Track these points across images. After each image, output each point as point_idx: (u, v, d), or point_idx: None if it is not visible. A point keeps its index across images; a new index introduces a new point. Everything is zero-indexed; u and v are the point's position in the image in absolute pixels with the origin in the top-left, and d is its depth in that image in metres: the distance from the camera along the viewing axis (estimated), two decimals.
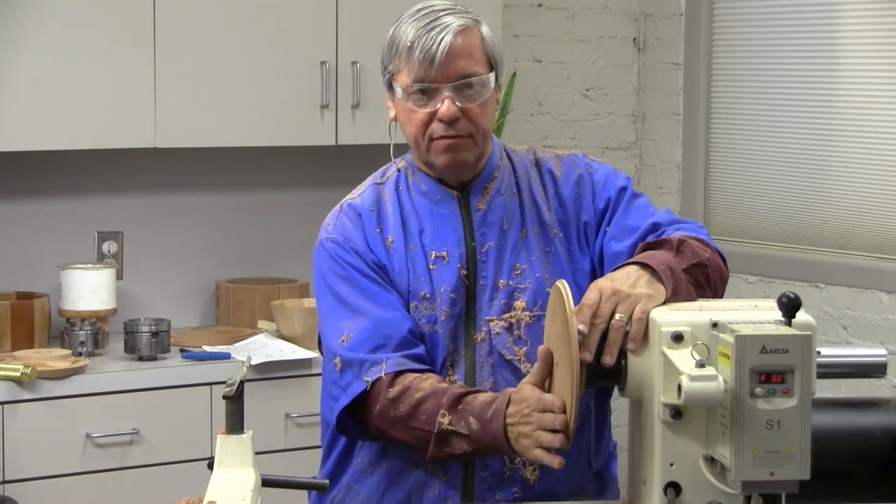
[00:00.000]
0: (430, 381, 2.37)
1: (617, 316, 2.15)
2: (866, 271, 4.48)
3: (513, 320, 2.45)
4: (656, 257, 2.28)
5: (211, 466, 2.02)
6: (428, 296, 2.46)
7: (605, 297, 2.18)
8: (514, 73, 4.69)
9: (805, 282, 4.60)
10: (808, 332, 1.85)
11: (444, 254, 2.47)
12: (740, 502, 1.92)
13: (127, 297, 4.28)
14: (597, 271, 2.49)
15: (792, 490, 1.86)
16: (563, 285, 2.14)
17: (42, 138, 3.90)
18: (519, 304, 2.45)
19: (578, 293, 2.22)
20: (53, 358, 3.74)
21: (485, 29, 2.45)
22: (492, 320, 2.45)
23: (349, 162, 4.39)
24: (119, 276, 4.18)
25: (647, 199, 2.56)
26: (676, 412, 1.96)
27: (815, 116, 4.64)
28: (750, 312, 1.99)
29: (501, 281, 2.47)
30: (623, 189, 2.53)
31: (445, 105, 2.39)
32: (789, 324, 1.89)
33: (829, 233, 4.62)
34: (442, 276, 2.46)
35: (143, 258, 4.36)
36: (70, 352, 3.83)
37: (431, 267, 2.47)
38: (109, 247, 4.26)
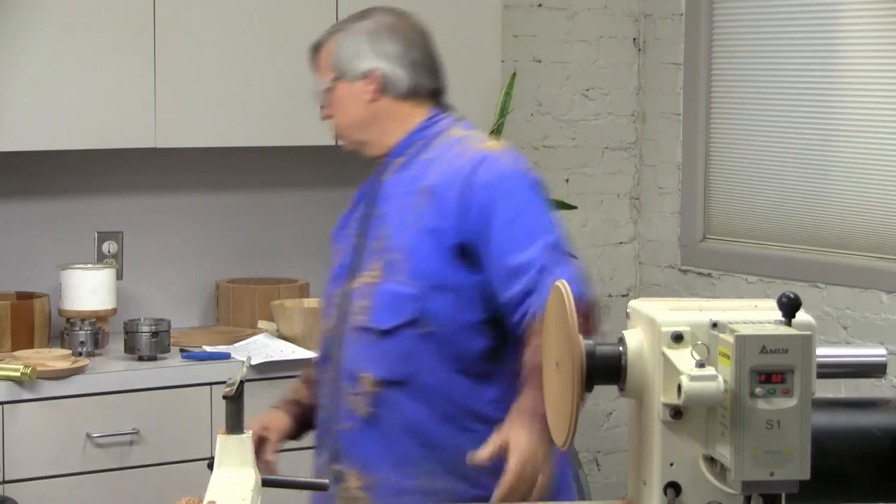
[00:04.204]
0: None
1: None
2: (866, 271, 4.48)
3: None
4: (536, 416, 2.45)
5: (211, 466, 2.02)
6: None
7: (523, 480, 2.45)
8: (514, 73, 4.68)
9: (805, 282, 4.60)
10: (808, 332, 1.85)
11: None
12: (740, 502, 1.92)
13: (127, 297, 4.28)
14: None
15: (792, 490, 1.86)
16: (564, 285, 2.14)
17: (42, 138, 3.90)
18: None
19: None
20: (53, 358, 3.74)
21: (337, 37, 2.83)
22: None
23: (349, 162, 4.38)
24: (119, 276, 4.18)
25: (534, 215, 2.69)
26: (676, 412, 1.96)
27: (815, 116, 4.64)
28: (750, 312, 1.99)
29: None
30: (507, 203, 2.66)
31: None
32: (789, 324, 1.88)
33: (829, 233, 4.62)
34: None
35: (143, 258, 4.37)
36: (70, 352, 3.83)
37: None
38: (109, 247, 4.27)
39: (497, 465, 2.55)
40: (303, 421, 2.87)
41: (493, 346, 2.69)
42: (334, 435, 2.75)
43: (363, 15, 2.84)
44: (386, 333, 2.67)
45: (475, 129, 2.85)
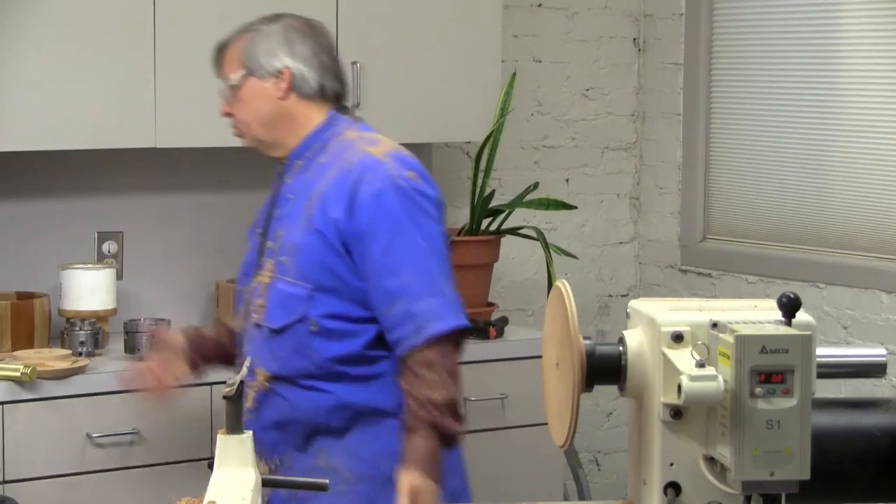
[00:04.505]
0: None
1: None
2: (866, 271, 4.48)
3: None
4: (428, 467, 2.68)
5: (211, 466, 2.02)
6: None
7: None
8: (514, 73, 4.68)
9: (805, 282, 4.60)
10: (808, 332, 1.86)
11: None
12: (740, 502, 1.92)
13: (127, 297, 4.27)
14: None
15: (792, 490, 1.86)
16: (564, 285, 2.14)
17: (42, 138, 3.90)
18: None
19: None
20: (53, 358, 3.74)
21: (248, 36, 2.93)
22: None
23: None
24: (119, 276, 4.18)
25: (409, 239, 2.79)
26: (676, 412, 1.96)
27: (815, 116, 4.64)
28: (750, 312, 1.99)
29: None
30: (384, 225, 2.76)
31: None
32: (789, 324, 1.89)
33: (829, 233, 4.62)
34: None
35: (143, 258, 4.36)
36: (70, 352, 3.83)
37: None
38: (109, 247, 4.26)
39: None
40: (195, 346, 3.10)
41: (381, 333, 2.82)
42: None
43: (273, 19, 2.96)
44: (277, 331, 2.83)
45: (370, 130, 2.96)
